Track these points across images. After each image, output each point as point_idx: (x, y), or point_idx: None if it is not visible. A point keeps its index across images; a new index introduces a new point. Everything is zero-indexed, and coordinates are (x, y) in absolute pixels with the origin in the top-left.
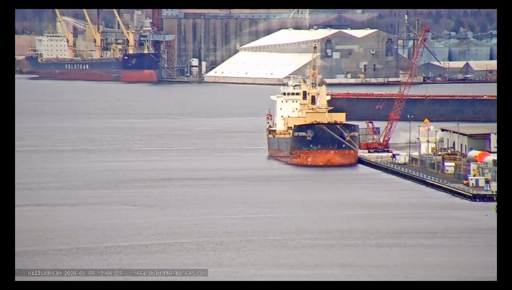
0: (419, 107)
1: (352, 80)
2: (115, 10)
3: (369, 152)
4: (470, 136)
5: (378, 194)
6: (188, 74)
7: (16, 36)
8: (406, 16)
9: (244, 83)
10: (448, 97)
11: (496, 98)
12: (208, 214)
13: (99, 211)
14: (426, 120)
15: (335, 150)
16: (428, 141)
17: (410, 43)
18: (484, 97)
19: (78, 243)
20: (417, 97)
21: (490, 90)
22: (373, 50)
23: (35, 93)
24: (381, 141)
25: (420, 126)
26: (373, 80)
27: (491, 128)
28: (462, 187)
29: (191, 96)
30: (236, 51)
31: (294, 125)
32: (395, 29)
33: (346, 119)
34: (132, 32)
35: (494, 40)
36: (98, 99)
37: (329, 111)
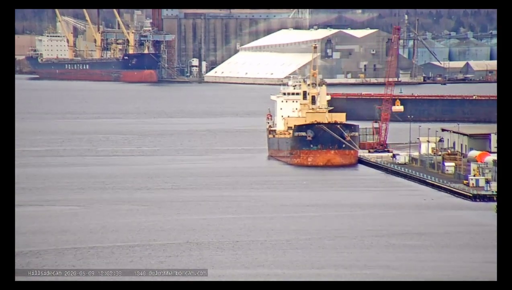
0: (409, 107)
1: (352, 80)
2: (115, 10)
3: (369, 152)
4: (470, 136)
5: (378, 194)
6: (188, 74)
7: (16, 36)
8: (406, 16)
9: (244, 83)
10: (437, 98)
11: (487, 98)
12: (207, 214)
13: (99, 211)
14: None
15: (335, 150)
16: (428, 141)
17: (410, 43)
18: (474, 97)
19: (78, 243)
20: (406, 98)
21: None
22: (373, 50)
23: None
24: (378, 141)
25: (420, 126)
26: (373, 80)
27: (491, 128)
28: (462, 187)
29: (191, 96)
30: (236, 51)
31: (294, 125)
32: None
33: (346, 119)
34: (132, 32)
35: (494, 40)
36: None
37: (329, 111)
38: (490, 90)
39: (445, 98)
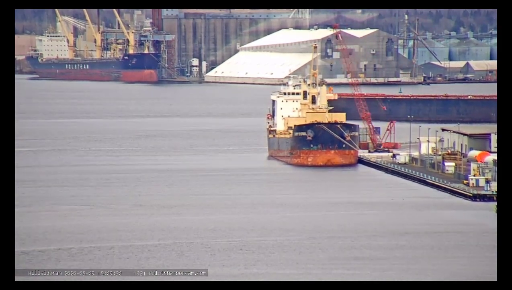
0: (403, 107)
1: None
2: (115, 10)
3: (369, 151)
4: (470, 136)
5: (378, 194)
6: (188, 74)
7: (16, 36)
8: (406, 16)
9: (244, 83)
10: (431, 98)
11: (481, 98)
12: (208, 214)
13: (99, 211)
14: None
15: (335, 150)
16: (428, 141)
17: (410, 43)
18: (469, 97)
19: (78, 243)
20: (400, 98)
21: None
22: (373, 50)
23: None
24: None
25: (420, 126)
26: (373, 80)
27: (491, 128)
28: (462, 187)
29: (191, 96)
30: (236, 51)
31: (295, 125)
32: (395, 29)
33: (346, 119)
34: (132, 32)
35: (494, 40)
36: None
37: (329, 111)
38: (490, 90)
39: (439, 98)
